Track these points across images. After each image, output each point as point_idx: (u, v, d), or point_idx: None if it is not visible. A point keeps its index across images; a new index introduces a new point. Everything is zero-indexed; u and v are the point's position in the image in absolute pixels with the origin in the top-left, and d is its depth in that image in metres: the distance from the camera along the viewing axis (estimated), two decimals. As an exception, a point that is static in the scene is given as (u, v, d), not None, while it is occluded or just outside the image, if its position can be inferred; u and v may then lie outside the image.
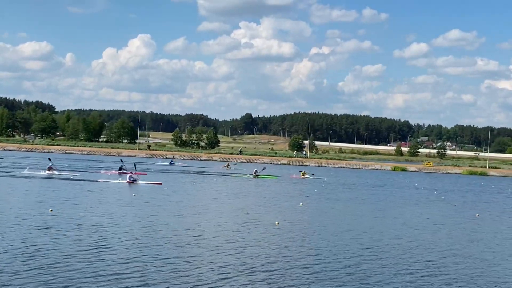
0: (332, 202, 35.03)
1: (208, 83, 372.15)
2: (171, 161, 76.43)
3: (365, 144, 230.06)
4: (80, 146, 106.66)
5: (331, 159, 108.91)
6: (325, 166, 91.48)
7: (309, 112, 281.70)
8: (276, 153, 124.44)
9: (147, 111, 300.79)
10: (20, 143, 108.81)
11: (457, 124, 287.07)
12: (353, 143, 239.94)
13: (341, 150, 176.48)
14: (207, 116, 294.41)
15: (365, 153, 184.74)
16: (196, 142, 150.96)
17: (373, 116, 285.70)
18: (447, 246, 20.50)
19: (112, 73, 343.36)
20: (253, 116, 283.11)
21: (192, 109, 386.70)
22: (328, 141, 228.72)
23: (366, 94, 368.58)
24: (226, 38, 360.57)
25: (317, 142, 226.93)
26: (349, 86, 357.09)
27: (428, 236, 22.82)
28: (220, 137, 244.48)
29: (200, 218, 24.52)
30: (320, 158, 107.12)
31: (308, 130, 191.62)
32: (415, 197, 41.87)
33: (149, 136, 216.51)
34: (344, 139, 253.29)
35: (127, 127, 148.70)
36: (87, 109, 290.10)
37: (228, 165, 71.99)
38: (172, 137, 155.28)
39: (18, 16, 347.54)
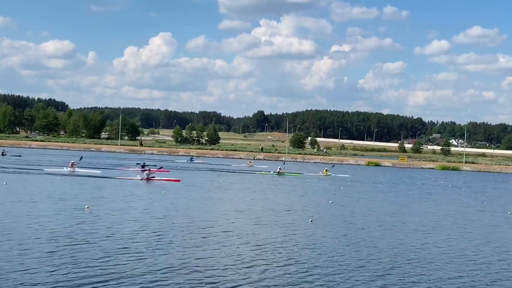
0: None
1: (229, 81, 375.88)
2: (191, 158, 78.40)
3: (375, 141, 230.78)
4: (63, 142, 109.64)
5: (320, 155, 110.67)
6: (300, 161, 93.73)
7: (325, 109, 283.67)
8: (262, 149, 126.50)
9: (170, 108, 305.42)
10: (17, 140, 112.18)
11: (470, 121, 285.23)
12: (364, 140, 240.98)
13: (343, 147, 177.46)
14: (220, 113, 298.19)
15: (368, 149, 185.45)
16: (196, 138, 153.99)
17: (392, 113, 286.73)
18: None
19: (133, 71, 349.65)
20: (266, 113, 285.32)
21: (213, 106, 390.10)
22: (338, 138, 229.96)
23: (387, 92, 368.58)
24: (247, 36, 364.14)
25: (326, 139, 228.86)
26: (370, 83, 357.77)
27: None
28: (231, 134, 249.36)
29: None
30: (310, 154, 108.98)
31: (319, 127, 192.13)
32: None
33: (159, 133, 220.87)
34: (355, 136, 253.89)
35: (127, 124, 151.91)
36: (107, 107, 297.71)
37: (250, 162, 72.65)
38: (173, 133, 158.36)
39: (40, 15, 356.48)
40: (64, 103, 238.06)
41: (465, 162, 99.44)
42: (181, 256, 16.02)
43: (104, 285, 12.78)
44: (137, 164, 50.07)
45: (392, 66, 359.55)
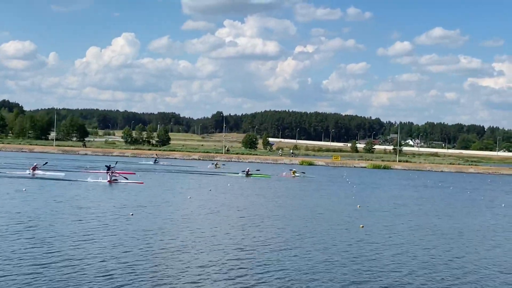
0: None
1: (193, 82, 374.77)
2: (155, 160, 77.88)
3: (332, 142, 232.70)
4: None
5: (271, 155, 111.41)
6: (235, 161, 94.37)
7: (283, 110, 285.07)
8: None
9: (134, 110, 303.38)
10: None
11: (428, 122, 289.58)
12: (321, 140, 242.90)
13: (295, 147, 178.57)
14: (179, 114, 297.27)
15: (323, 150, 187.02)
16: (146, 139, 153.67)
17: (355, 114, 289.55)
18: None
19: (95, 72, 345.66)
20: (225, 114, 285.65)
21: (177, 107, 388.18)
22: (296, 139, 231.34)
23: (351, 92, 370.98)
24: (211, 36, 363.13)
25: (281, 140, 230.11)
26: (334, 84, 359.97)
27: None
28: (189, 135, 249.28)
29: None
30: (255, 154, 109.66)
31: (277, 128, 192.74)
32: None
33: (114, 135, 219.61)
34: (313, 137, 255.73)
35: (75, 124, 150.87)
36: (64, 108, 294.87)
37: (217, 164, 72.65)
38: (122, 134, 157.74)
39: (0, 15, 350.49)
40: (19, 104, 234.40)
41: (398, 161, 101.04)
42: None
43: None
44: (106, 166, 48.68)
45: (356, 67, 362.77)
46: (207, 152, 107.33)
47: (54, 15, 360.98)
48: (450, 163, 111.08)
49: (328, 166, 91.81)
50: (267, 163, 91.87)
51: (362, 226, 24.02)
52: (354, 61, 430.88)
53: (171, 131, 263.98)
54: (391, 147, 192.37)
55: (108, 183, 40.14)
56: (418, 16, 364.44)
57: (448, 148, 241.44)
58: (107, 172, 42.52)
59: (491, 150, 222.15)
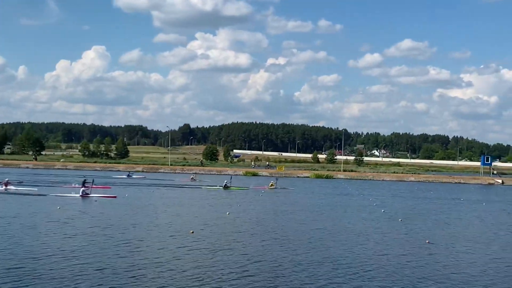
0: None
1: (164, 95, 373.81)
2: (129, 173, 77.13)
3: (298, 153, 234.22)
4: None
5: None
6: (179, 172, 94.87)
7: (251, 122, 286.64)
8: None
9: (103, 123, 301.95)
10: None
11: (393, 132, 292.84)
12: (287, 151, 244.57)
13: (257, 159, 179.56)
14: (146, 127, 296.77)
15: (288, 161, 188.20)
16: (104, 152, 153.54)
17: (329, 126, 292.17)
18: None
19: (66, 86, 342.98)
20: (192, 126, 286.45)
21: (149, 121, 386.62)
22: (262, 150, 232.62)
23: (323, 104, 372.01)
24: (182, 49, 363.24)
25: (245, 151, 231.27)
26: (306, 96, 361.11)
27: None
28: (156, 148, 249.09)
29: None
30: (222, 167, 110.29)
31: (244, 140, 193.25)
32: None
33: (77, 148, 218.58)
34: (280, 148, 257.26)
35: (31, 138, 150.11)
36: (45, 122, 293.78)
37: (193, 177, 72.26)
38: (80, 148, 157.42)
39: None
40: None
41: (343, 171, 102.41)
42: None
43: None
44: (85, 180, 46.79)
45: (327, 78, 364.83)
46: (154, 164, 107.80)
47: (23, 29, 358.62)
48: (403, 172, 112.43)
49: (272, 176, 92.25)
50: (211, 174, 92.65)
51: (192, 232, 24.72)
52: (325, 73, 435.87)
53: (138, 144, 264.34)
54: (353, 158, 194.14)
55: (80, 197, 40.08)
56: (387, 28, 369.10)
57: (413, 158, 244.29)
58: (81, 187, 42.54)
59: (453, 160, 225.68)
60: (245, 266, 18.03)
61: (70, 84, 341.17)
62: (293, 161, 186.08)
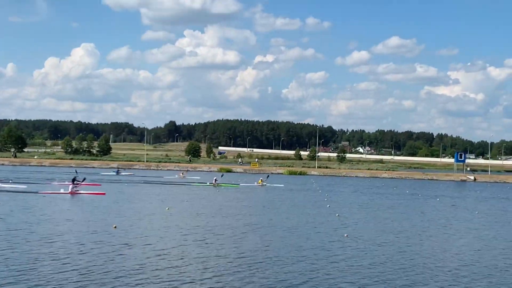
0: None
1: (153, 92, 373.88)
2: (117, 170, 78.08)
3: (282, 150, 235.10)
4: None
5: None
6: (154, 169, 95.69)
7: (236, 119, 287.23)
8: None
9: (91, 121, 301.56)
10: None
11: (378, 129, 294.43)
12: (272, 148, 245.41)
13: (239, 155, 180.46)
14: (132, 124, 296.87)
15: (272, 157, 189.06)
16: (87, 149, 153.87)
17: (316, 123, 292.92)
18: None
19: (54, 83, 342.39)
20: (178, 123, 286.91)
21: (138, 118, 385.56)
22: (246, 147, 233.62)
23: (311, 101, 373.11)
24: (171, 46, 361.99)
25: (229, 148, 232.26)
26: (293, 93, 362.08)
27: None
28: (141, 144, 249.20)
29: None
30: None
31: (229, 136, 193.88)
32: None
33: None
34: (265, 145, 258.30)
35: (14, 135, 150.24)
36: (32, 119, 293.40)
37: (183, 173, 73.10)
38: (62, 144, 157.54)
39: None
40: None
41: (318, 167, 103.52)
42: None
43: None
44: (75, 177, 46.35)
45: (315, 76, 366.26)
46: (130, 160, 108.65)
47: (11, 26, 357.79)
48: (377, 169, 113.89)
49: (246, 173, 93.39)
50: (180, 170, 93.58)
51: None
52: (313, 70, 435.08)
53: (124, 141, 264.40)
54: (334, 155, 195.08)
55: (70, 194, 40.52)
56: (375, 26, 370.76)
57: (397, 155, 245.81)
58: (71, 184, 42.75)
59: (437, 157, 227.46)
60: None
61: (58, 81, 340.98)
62: (276, 157, 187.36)
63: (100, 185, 50.01)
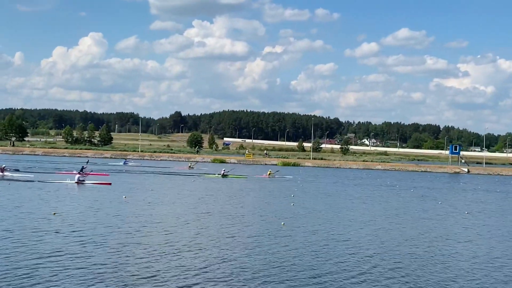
0: None
1: (161, 82, 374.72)
2: (125, 161, 78.84)
3: (288, 141, 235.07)
4: None
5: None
6: (147, 159, 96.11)
7: (241, 110, 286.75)
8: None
9: (99, 111, 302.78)
10: None
11: (384, 122, 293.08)
12: (277, 140, 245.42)
13: (242, 147, 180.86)
14: (137, 114, 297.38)
15: (276, 149, 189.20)
16: (88, 139, 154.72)
17: (325, 115, 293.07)
18: None
19: (62, 72, 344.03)
20: (183, 114, 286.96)
21: (145, 108, 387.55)
22: (252, 139, 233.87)
23: (319, 93, 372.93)
24: (179, 37, 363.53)
25: (233, 139, 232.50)
26: (302, 85, 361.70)
27: None
28: (146, 135, 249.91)
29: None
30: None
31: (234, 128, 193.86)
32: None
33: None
34: (270, 137, 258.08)
35: (14, 124, 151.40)
36: (38, 108, 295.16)
37: (190, 165, 73.84)
38: (63, 134, 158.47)
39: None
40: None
41: (313, 159, 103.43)
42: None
43: None
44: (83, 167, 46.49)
45: (324, 67, 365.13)
46: (124, 151, 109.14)
47: (20, 15, 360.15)
48: (373, 161, 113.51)
49: (240, 164, 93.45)
50: (175, 160, 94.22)
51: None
52: (322, 61, 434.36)
53: (129, 131, 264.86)
54: (338, 147, 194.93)
55: (76, 184, 40.51)
56: (384, 18, 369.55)
57: (402, 147, 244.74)
58: (78, 173, 42.87)
59: (442, 149, 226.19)
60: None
61: (66, 71, 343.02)
62: (280, 149, 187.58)
63: (108, 175, 49.98)
